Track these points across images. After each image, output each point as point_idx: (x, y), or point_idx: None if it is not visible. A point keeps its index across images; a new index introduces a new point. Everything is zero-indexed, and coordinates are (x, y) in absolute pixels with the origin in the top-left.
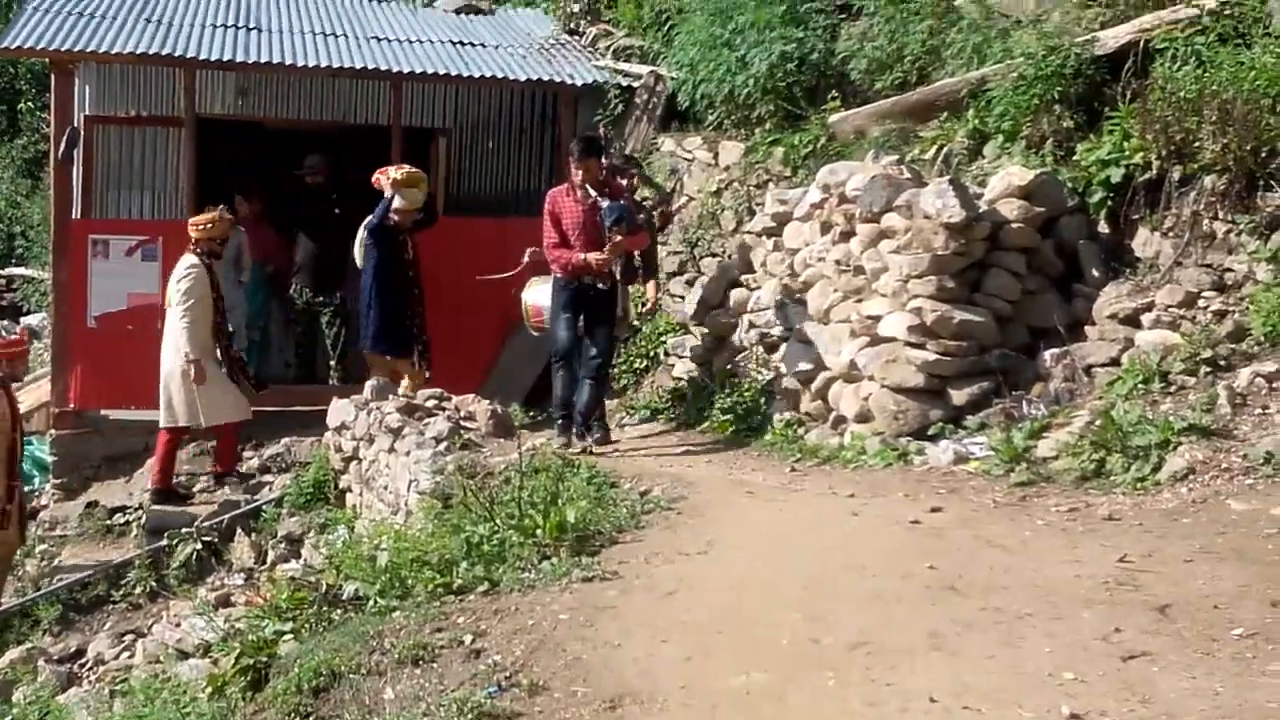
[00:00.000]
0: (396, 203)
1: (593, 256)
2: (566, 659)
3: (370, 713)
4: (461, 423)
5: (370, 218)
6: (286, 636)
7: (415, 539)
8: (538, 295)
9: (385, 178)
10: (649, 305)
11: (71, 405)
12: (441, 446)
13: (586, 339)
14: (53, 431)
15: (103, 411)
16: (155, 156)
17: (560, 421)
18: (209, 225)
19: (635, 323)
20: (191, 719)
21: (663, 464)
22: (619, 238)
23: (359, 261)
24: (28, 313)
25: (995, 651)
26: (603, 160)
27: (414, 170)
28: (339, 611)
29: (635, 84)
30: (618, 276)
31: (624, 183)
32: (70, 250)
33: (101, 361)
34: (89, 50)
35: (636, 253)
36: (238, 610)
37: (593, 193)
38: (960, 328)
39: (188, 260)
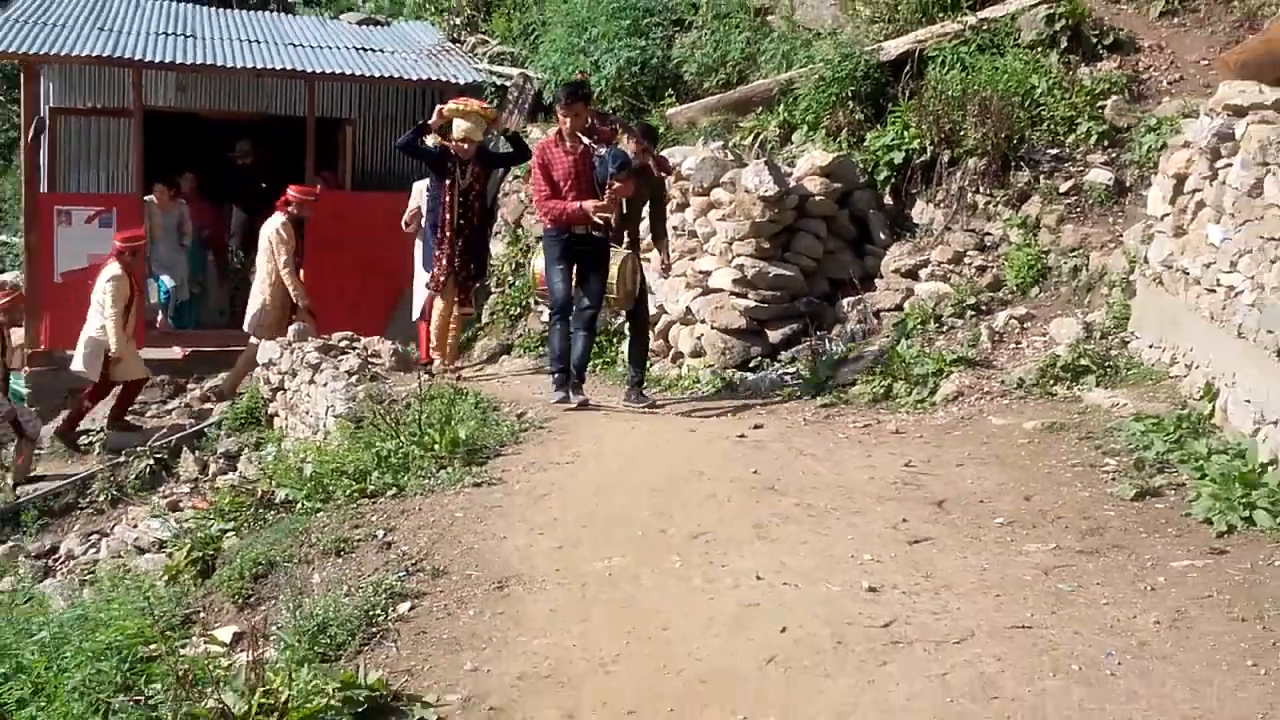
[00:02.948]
0: (455, 132)
1: (590, 204)
2: (462, 549)
3: (301, 594)
4: (369, 359)
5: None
6: (229, 533)
7: (334, 453)
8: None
9: (439, 108)
10: (664, 267)
11: (43, 347)
12: (353, 379)
13: (579, 289)
14: (27, 369)
15: (68, 352)
16: (109, 141)
17: (556, 376)
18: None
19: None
20: (152, 601)
21: (534, 391)
22: (617, 185)
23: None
24: (2, 272)
25: (808, 539)
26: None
27: (469, 101)
28: (272, 513)
29: (508, 83)
30: (613, 224)
31: (610, 129)
32: (39, 219)
33: (66, 311)
34: (52, 53)
35: (641, 211)
36: (186, 513)
37: (585, 139)
38: (774, 280)
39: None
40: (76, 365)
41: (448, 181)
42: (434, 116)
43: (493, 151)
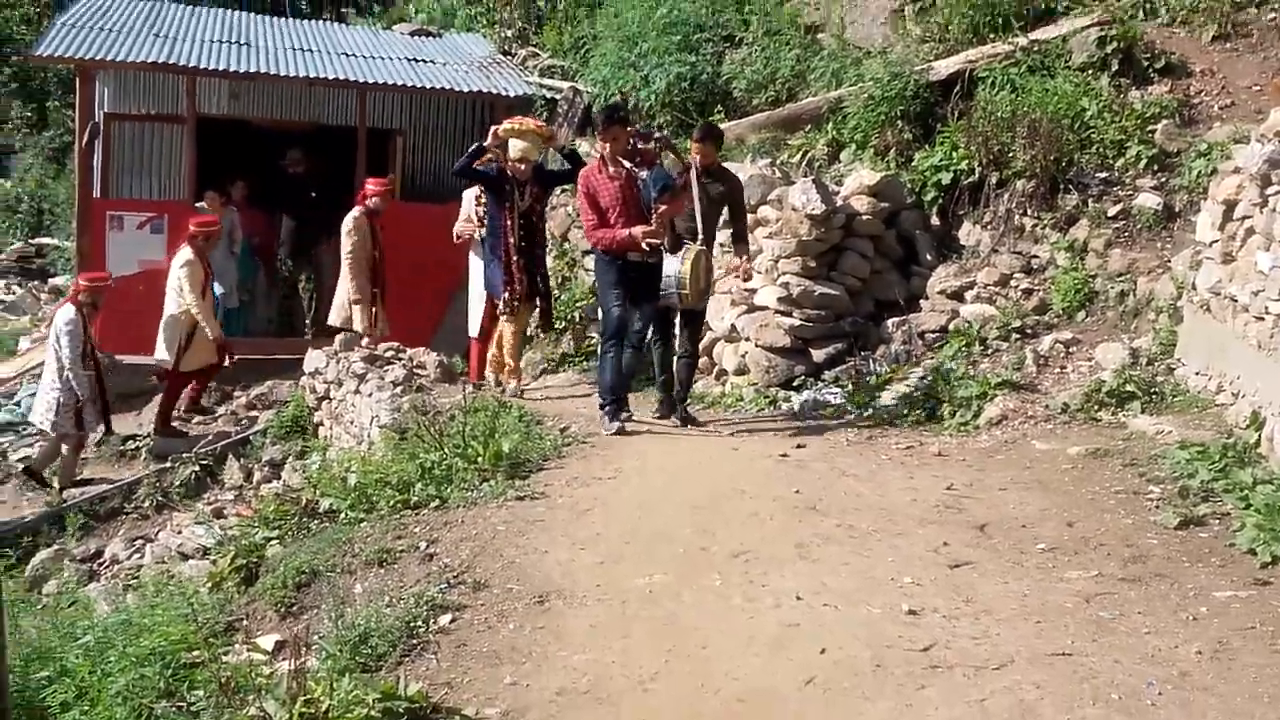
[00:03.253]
0: (510, 152)
1: (640, 231)
2: (503, 562)
3: (343, 604)
4: (414, 370)
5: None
6: (273, 541)
7: (378, 464)
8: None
9: (494, 129)
10: (744, 274)
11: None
12: (398, 389)
13: (632, 310)
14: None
15: (116, 356)
16: (162, 148)
17: (609, 408)
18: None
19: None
20: (195, 608)
21: (578, 406)
22: (663, 207)
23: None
24: (54, 275)
25: (849, 560)
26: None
27: (524, 120)
28: (316, 522)
29: (557, 96)
30: (666, 247)
31: (653, 147)
32: (91, 224)
33: (116, 315)
34: (108, 59)
35: (720, 214)
36: (230, 520)
37: (626, 164)
38: (820, 299)
39: (185, 255)
40: (159, 353)
41: (506, 204)
42: (489, 138)
43: (550, 170)
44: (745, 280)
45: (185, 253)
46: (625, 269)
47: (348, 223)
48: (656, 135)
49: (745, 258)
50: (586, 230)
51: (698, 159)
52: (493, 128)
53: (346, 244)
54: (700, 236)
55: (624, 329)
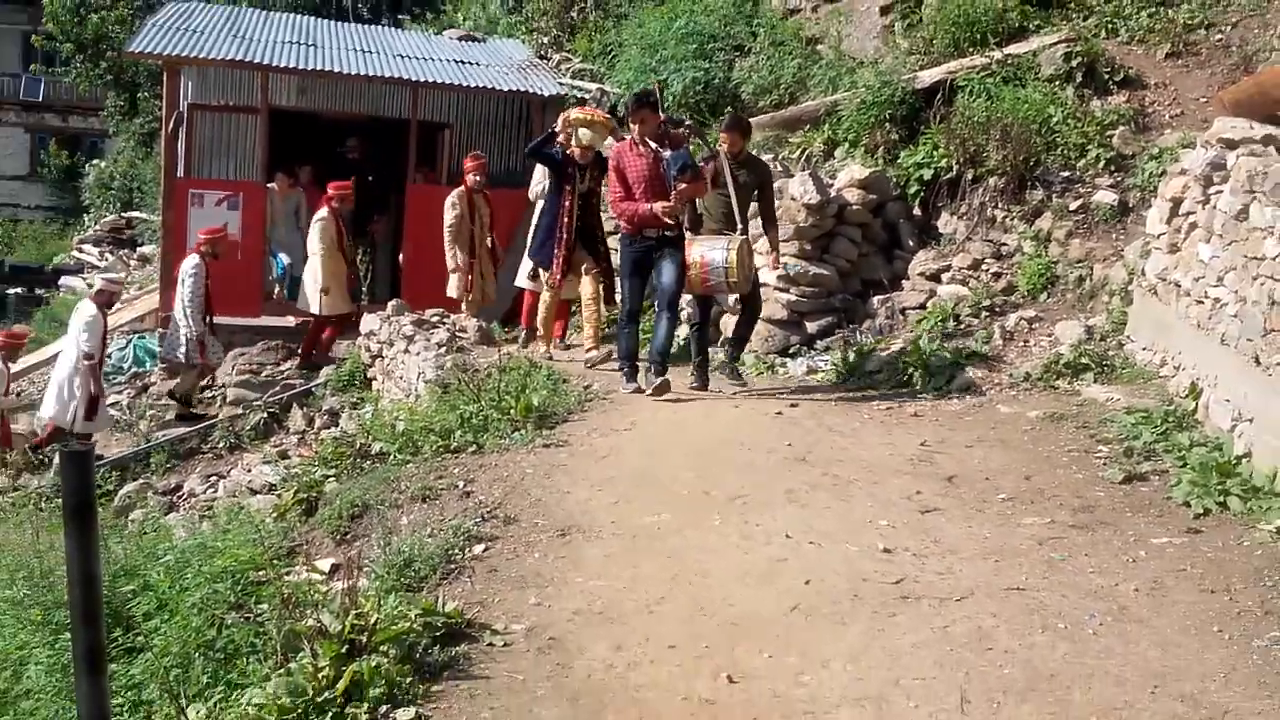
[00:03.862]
0: (579, 139)
1: (659, 206)
2: (530, 500)
3: (390, 533)
4: (456, 334)
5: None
6: (330, 479)
7: (423, 414)
8: (700, 251)
9: (564, 116)
10: (773, 263)
11: (171, 312)
12: (442, 350)
13: (657, 278)
14: (159, 330)
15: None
16: (238, 135)
17: (626, 370)
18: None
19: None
20: (262, 534)
21: (599, 369)
22: (683, 185)
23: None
24: (142, 244)
25: (832, 505)
26: (659, 114)
27: (595, 111)
28: (368, 463)
29: (587, 96)
30: (685, 224)
31: (682, 132)
32: (175, 200)
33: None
34: (191, 56)
35: (750, 199)
36: (293, 460)
37: (654, 145)
38: (814, 279)
39: (321, 214)
40: (301, 303)
41: (568, 186)
42: (559, 124)
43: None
44: (774, 269)
45: (321, 212)
46: (643, 252)
47: (451, 198)
48: (687, 122)
49: (774, 240)
50: (612, 202)
51: (725, 146)
52: (563, 114)
53: (448, 217)
54: (738, 225)
55: (637, 311)
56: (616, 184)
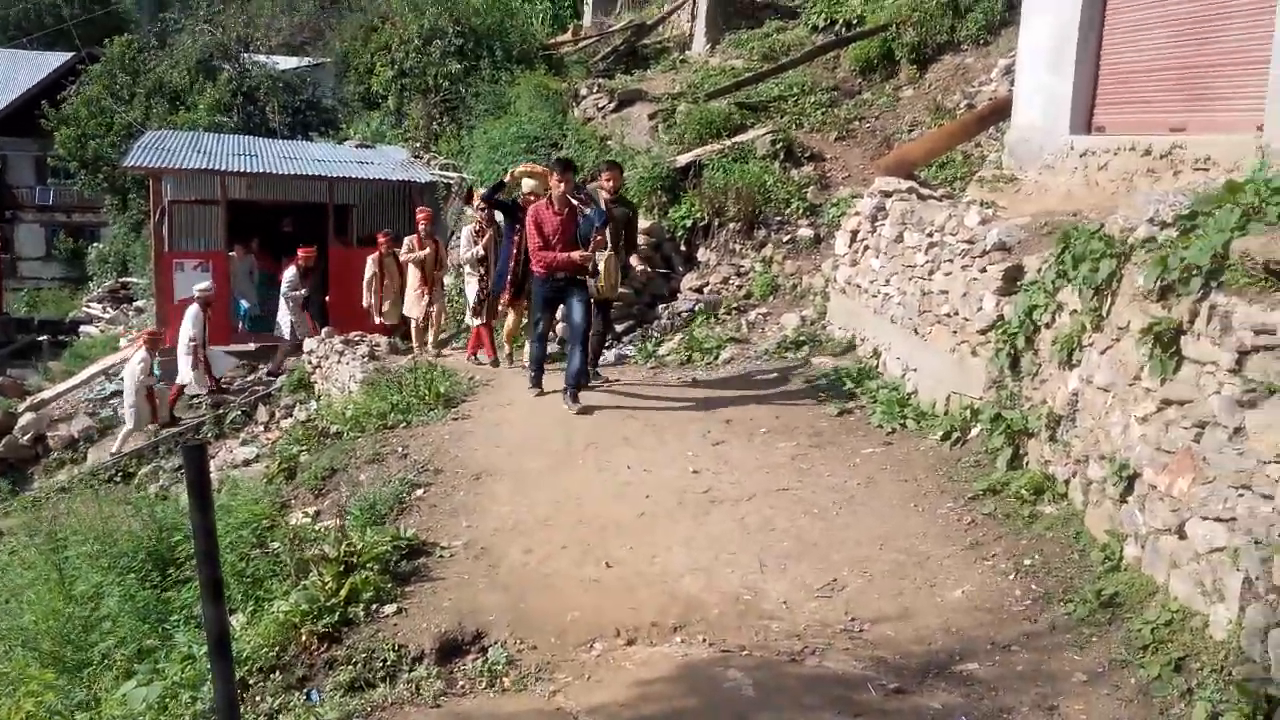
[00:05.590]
0: (523, 187)
1: (578, 255)
2: (451, 456)
3: (355, 486)
4: (374, 348)
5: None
6: (302, 452)
7: (362, 404)
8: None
9: (513, 170)
10: (635, 274)
11: (166, 345)
12: (365, 359)
13: (568, 313)
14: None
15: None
16: (206, 220)
17: (533, 375)
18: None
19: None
20: (263, 494)
21: (470, 365)
22: (599, 237)
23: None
24: (135, 300)
25: (655, 444)
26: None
27: (533, 166)
28: (328, 440)
29: (451, 181)
30: (590, 268)
31: (585, 196)
32: (162, 268)
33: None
34: (169, 167)
35: (620, 232)
36: (263, 442)
37: (572, 201)
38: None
39: (371, 257)
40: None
41: (517, 225)
42: (507, 176)
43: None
44: (638, 279)
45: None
46: (555, 289)
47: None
48: (584, 190)
49: (636, 259)
50: (531, 250)
51: (609, 184)
52: (509, 169)
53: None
54: (609, 245)
55: (545, 334)
56: (535, 235)
